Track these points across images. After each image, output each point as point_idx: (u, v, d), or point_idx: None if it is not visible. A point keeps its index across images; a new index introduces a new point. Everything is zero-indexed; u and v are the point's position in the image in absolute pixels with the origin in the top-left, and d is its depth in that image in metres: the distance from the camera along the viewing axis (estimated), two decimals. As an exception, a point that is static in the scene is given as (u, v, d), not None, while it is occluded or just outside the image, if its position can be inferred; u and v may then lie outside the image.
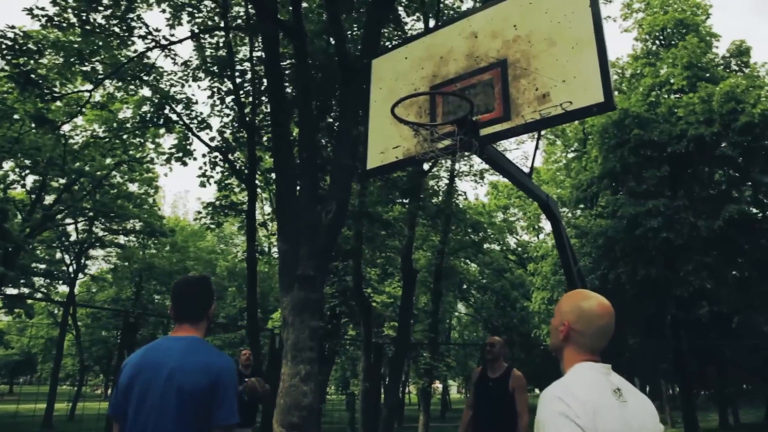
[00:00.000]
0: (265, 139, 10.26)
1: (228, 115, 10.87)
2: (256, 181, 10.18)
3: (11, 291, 25.18)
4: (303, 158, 6.45)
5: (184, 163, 11.15)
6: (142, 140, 15.40)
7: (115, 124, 12.82)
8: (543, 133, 26.09)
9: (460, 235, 17.09)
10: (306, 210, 5.98)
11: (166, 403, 2.02)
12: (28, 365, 40.52)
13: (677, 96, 17.69)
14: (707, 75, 17.15)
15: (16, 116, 17.13)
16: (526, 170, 5.42)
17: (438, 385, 41.57)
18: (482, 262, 28.59)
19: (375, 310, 14.90)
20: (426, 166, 13.72)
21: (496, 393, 4.55)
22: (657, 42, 19.65)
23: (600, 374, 1.68)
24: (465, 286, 29.86)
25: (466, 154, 4.12)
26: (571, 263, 5.45)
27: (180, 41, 8.40)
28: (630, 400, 1.65)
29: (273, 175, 11.31)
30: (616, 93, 20.05)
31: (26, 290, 26.49)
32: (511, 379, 4.61)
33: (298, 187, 6.10)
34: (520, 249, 32.63)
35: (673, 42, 18.92)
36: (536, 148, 4.97)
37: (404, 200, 13.15)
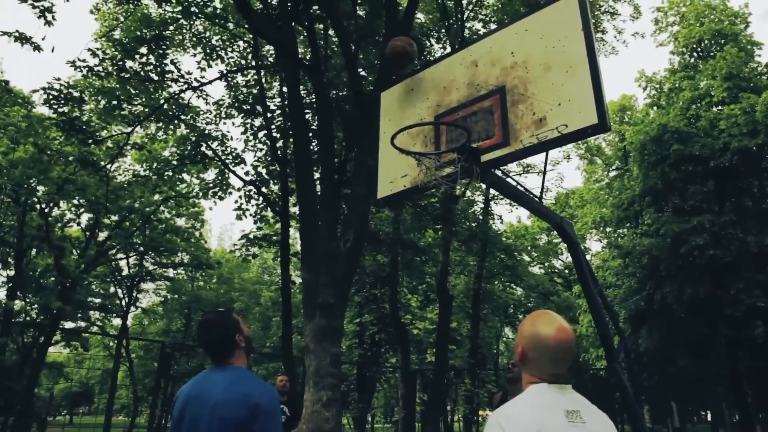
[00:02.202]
0: (295, 173, 10.56)
1: (261, 150, 11.30)
2: (289, 212, 10.47)
3: (69, 325, 26.33)
4: (323, 190, 6.64)
5: (221, 198, 11.60)
6: (184, 177, 16.08)
7: (156, 164, 13.46)
8: (581, 152, 25.71)
9: (497, 259, 16.93)
10: (326, 240, 6.14)
11: None
12: (85, 396, 41.98)
13: (718, 108, 17.20)
14: (750, 85, 16.63)
15: (70, 158, 18.23)
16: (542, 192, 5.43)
17: (488, 413, 40.64)
18: (527, 286, 28.10)
19: (416, 336, 14.88)
20: (458, 191, 13.76)
21: None
22: (695, 54, 19.22)
23: (553, 395, 1.65)
24: (511, 311, 29.35)
25: (468, 180, 4.19)
26: (591, 285, 5.39)
27: (210, 82, 8.86)
28: (589, 422, 1.64)
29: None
30: (654, 108, 19.64)
31: (83, 324, 27.65)
32: None
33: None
34: (566, 271, 31.91)
35: (711, 53, 18.48)
36: (544, 172, 4.97)
37: (437, 226, 13.19)
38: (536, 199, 4.81)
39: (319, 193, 6.48)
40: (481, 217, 15.52)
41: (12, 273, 24.21)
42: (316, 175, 7.34)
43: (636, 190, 17.95)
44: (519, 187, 4.94)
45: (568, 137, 3.86)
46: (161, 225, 24.51)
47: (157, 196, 22.69)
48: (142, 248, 25.52)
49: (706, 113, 16.83)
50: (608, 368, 5.15)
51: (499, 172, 4.73)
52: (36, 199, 22.63)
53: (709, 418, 35.41)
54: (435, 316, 17.43)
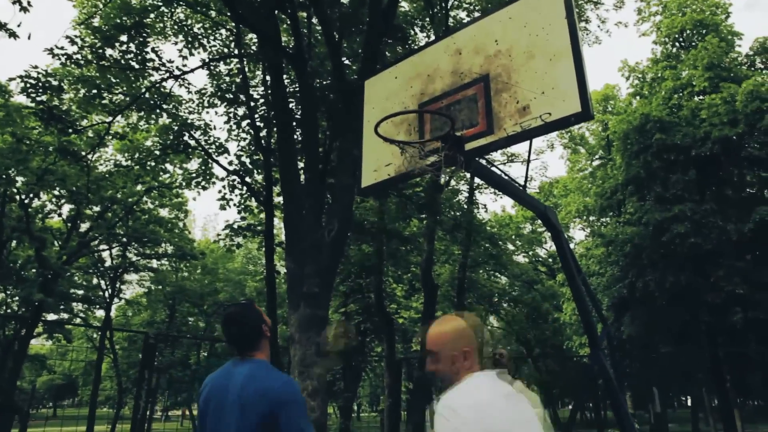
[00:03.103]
0: (279, 163, 10.48)
1: (244, 139, 11.20)
2: (274, 202, 10.41)
3: (51, 317, 26.03)
4: (307, 179, 6.60)
5: (205, 188, 11.49)
6: (166, 167, 15.95)
7: (137, 154, 13.31)
8: (564, 141, 25.87)
9: (481, 248, 17.01)
10: (310, 230, 6.11)
11: (239, 429, 2.14)
12: (69, 389, 41.65)
13: (700, 98, 17.37)
14: (730, 75, 16.81)
15: (50, 148, 17.95)
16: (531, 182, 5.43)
17: (473, 401, 41.02)
18: (511, 274, 28.31)
19: (402, 325, 14.94)
20: (443, 180, 13.78)
21: None
22: (677, 44, 19.38)
23: (490, 379, 1.88)
24: (495, 299, 29.58)
25: (452, 169, 4.18)
26: (574, 272, 5.44)
27: (192, 71, 8.75)
28: (518, 399, 1.86)
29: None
30: (637, 98, 19.79)
31: (65, 316, 27.36)
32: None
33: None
34: (550, 260, 32.20)
35: (693, 43, 18.63)
36: (528, 161, 4.99)
37: (422, 215, 13.21)
38: (520, 188, 4.83)
39: (303, 183, 6.44)
40: (465, 206, 15.57)
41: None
42: (300, 165, 7.30)
43: (619, 179, 18.12)
44: (503, 175, 4.95)
45: (551, 125, 3.87)
46: (144, 216, 24.24)
47: (139, 187, 22.43)
48: (125, 239, 25.23)
49: (688, 103, 17.00)
50: (591, 355, 5.22)
51: (483, 161, 4.73)
52: (15, 190, 22.26)
53: (689, 403, 36.11)
54: (420, 305, 17.52)
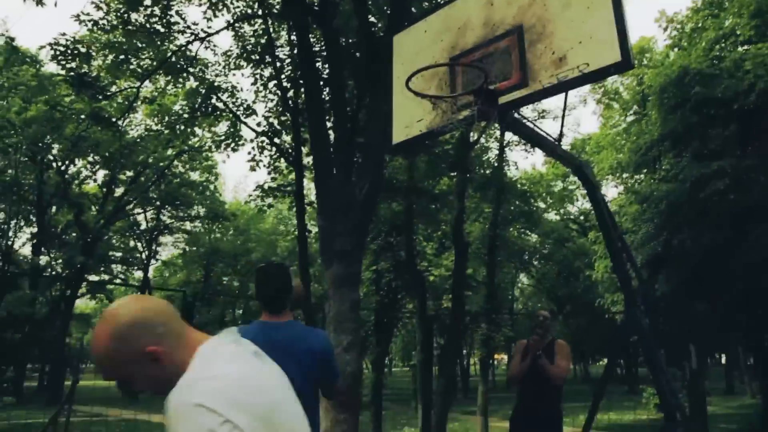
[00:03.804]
0: (308, 121, 10.44)
1: (272, 100, 11.15)
2: (303, 162, 10.44)
3: (93, 278, 27.03)
4: (337, 137, 6.58)
5: (234, 150, 11.57)
6: (195, 130, 16.10)
7: (167, 118, 13.43)
8: (597, 96, 25.11)
9: (512, 206, 16.83)
10: (341, 188, 6.12)
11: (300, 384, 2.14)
12: (113, 347, 43.36)
13: (744, 48, 16.53)
14: (778, 21, 15.90)
15: (82, 116, 18.28)
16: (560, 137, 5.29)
17: (503, 357, 41.44)
18: (542, 232, 28.09)
19: (432, 283, 15.05)
20: (474, 137, 13.60)
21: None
22: (720, -10, 18.36)
23: (231, 343, 1.30)
24: (526, 257, 29.47)
25: (485, 123, 4.10)
26: (611, 229, 5.35)
27: (217, 32, 8.69)
28: (265, 359, 1.34)
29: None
30: (675, 50, 18.98)
31: (106, 277, 28.35)
32: (555, 349, 4.60)
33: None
34: (581, 217, 31.78)
35: (738, -11, 17.63)
36: (563, 114, 4.81)
37: (452, 173, 13.10)
38: (555, 142, 4.72)
39: (332, 142, 6.42)
40: (495, 164, 15.36)
41: (35, 230, 24.74)
42: (329, 124, 7.26)
43: (654, 135, 17.57)
44: (537, 129, 4.83)
45: (589, 76, 3.73)
46: (176, 179, 24.72)
47: (170, 151, 22.80)
48: (158, 202, 25.83)
49: (731, 53, 16.20)
50: (627, 312, 5.17)
51: (516, 116, 4.62)
52: (52, 157, 22.84)
53: (723, 361, 35.80)
54: (450, 263, 17.57)
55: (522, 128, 4.66)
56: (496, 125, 4.32)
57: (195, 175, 25.69)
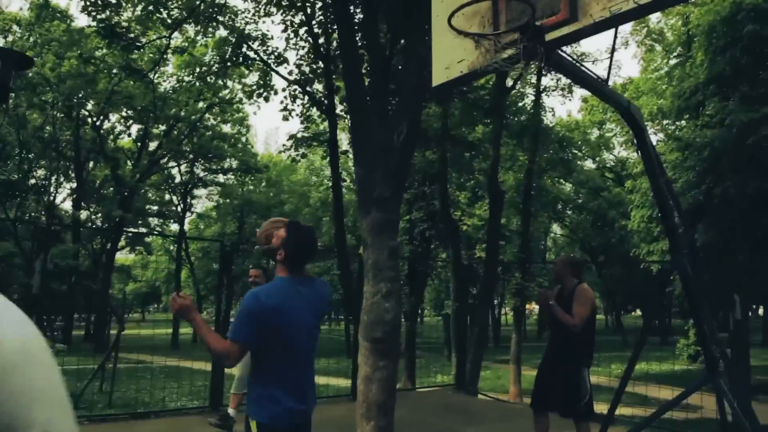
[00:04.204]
0: (341, 67, 10.23)
1: (303, 48, 10.94)
2: (336, 110, 10.30)
3: (131, 231, 27.79)
4: (372, 82, 6.41)
5: (266, 99, 11.48)
6: (226, 82, 15.97)
7: (198, 68, 13.34)
8: (639, 38, 23.99)
9: (549, 153, 16.42)
10: (378, 134, 5.99)
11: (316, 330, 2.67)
12: (153, 296, 45.12)
13: (803, -21, 15.42)
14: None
15: (114, 70, 18.33)
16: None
17: (535, 307, 41.58)
18: (577, 181, 27.54)
19: (466, 232, 14.99)
20: (509, 83, 13.18)
21: (564, 310, 4.47)
22: None
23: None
24: (559, 206, 29.05)
25: (531, 62, 3.88)
26: (657, 174, 5.14)
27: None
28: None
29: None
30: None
31: (144, 230, 29.10)
32: (575, 294, 4.51)
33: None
34: (617, 166, 30.98)
35: None
36: (612, 51, 4.54)
37: (487, 120, 12.79)
38: (602, 82, 4.49)
39: (367, 87, 6.27)
40: (531, 110, 14.92)
41: (74, 185, 25.36)
42: (364, 70, 7.07)
43: (700, 78, 16.76)
44: (584, 69, 4.59)
45: (646, 8, 3.47)
46: (207, 132, 24.84)
47: (201, 104, 22.82)
48: (191, 156, 26.10)
49: (788, -14, 15.16)
50: (673, 260, 5.01)
51: (563, 54, 4.38)
52: (87, 113, 23.12)
53: (760, 312, 35.18)
54: (484, 212, 17.43)
55: (569, 67, 4.43)
56: (537, 65, 4.09)
57: (226, 128, 25.78)
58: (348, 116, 12.20)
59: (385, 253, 5.51)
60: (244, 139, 26.26)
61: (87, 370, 9.81)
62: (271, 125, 55.58)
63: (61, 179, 26.21)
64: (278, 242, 2.51)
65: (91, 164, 25.74)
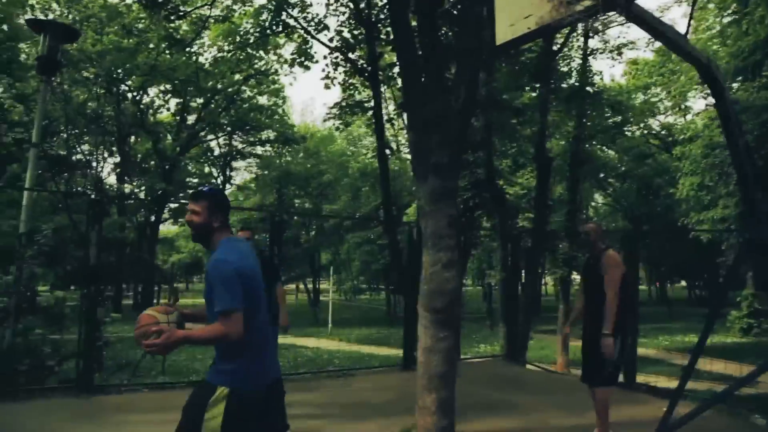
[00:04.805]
0: (383, 33, 9.97)
1: (344, 13, 10.67)
2: (379, 77, 10.04)
3: (174, 205, 28.30)
4: (424, 45, 6.15)
5: (307, 68, 11.28)
6: (262, 54, 15.79)
7: (237, 38, 13.20)
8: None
9: (597, 118, 15.79)
10: (432, 98, 5.75)
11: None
12: (197, 266, 46.21)
13: None
14: None
15: (151, 45, 18.41)
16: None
17: (576, 276, 40.89)
18: (621, 148, 26.66)
19: (508, 201, 14.65)
20: (556, 47, 12.65)
21: (592, 278, 4.52)
22: None
23: None
24: (602, 175, 28.25)
25: (609, 13, 3.60)
26: (737, 135, 4.80)
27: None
28: None
29: (395, 71, 11.12)
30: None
31: (185, 202, 29.60)
32: (603, 260, 4.44)
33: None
34: (664, 132, 29.85)
35: None
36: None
37: (534, 85, 12.35)
38: (683, 36, 4.15)
39: (420, 50, 6.01)
40: (580, 73, 14.34)
41: (118, 159, 25.86)
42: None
43: (760, 35, 15.82)
44: (663, 22, 4.26)
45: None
46: (245, 104, 24.87)
47: (238, 76, 22.79)
48: (229, 128, 26.25)
49: None
50: (750, 226, 4.72)
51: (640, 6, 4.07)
52: (127, 87, 23.38)
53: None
54: (526, 180, 17.03)
55: (648, 20, 4.11)
56: (622, 15, 3.80)
57: (263, 100, 25.76)
58: (392, 83, 11.97)
59: (444, 221, 5.33)
60: (280, 110, 26.23)
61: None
62: (307, 96, 55.23)
63: (105, 154, 26.75)
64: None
65: (132, 139, 26.15)
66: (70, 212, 18.72)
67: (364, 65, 10.50)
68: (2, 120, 16.96)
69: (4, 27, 18.30)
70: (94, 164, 26.74)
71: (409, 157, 16.81)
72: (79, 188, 23.63)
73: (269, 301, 5.09)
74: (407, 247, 8.95)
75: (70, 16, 20.66)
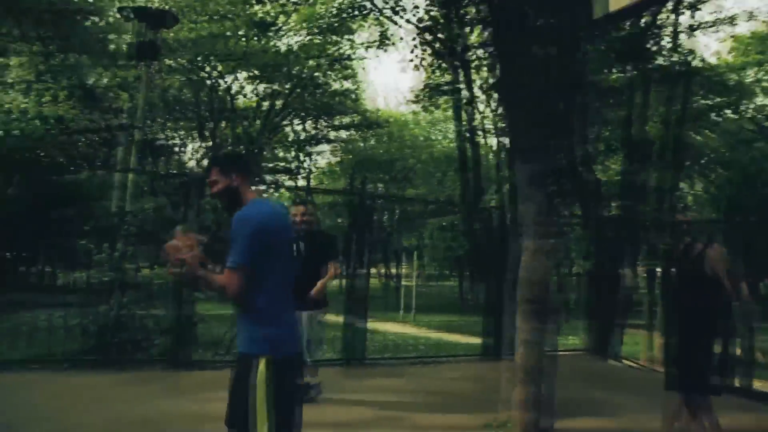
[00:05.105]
0: (468, 13, 9.58)
1: (425, -8, 10.34)
2: (467, 57, 9.70)
3: (260, 188, 29.26)
4: (520, 18, 5.86)
5: (386, 50, 11.07)
6: (342, 37, 15.77)
7: (320, 20, 13.21)
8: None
9: (701, 99, 14.55)
10: (530, 76, 5.47)
11: None
12: (287, 249, 48.13)
13: None
14: None
15: (240, 32, 18.94)
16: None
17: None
18: (721, 131, 24.60)
19: (600, 187, 13.92)
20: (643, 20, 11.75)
21: (692, 273, 4.14)
22: None
23: None
24: (703, 161, 26.27)
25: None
26: None
27: None
28: None
29: (479, 52, 10.70)
30: None
31: (272, 187, 30.64)
32: (709, 253, 4.06)
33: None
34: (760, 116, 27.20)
35: None
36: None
37: (626, 66, 11.58)
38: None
39: (516, 26, 5.71)
40: (680, 50, 13.28)
41: (209, 144, 26.98)
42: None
43: None
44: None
45: None
46: (328, 89, 25.13)
47: (320, 60, 23.03)
48: (313, 113, 26.67)
49: None
50: None
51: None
52: (217, 73, 24.21)
53: None
54: (617, 166, 16.08)
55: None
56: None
57: (346, 84, 25.96)
58: (475, 64, 11.53)
59: (543, 206, 5.09)
60: (362, 94, 26.39)
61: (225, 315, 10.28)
62: (387, 80, 55.15)
63: (196, 139, 27.98)
64: (219, 185, 2.43)
65: (222, 124, 27.15)
66: (168, 194, 19.75)
67: (448, 45, 10.15)
68: (108, 107, 18.07)
69: (110, 18, 19.44)
70: (187, 149, 28.16)
71: (491, 141, 16.44)
72: (174, 172, 24.94)
73: (309, 277, 4.92)
74: (486, 234, 8.70)
75: (167, 7, 21.59)
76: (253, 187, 2.51)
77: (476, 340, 9.74)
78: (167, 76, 22.26)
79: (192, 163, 27.44)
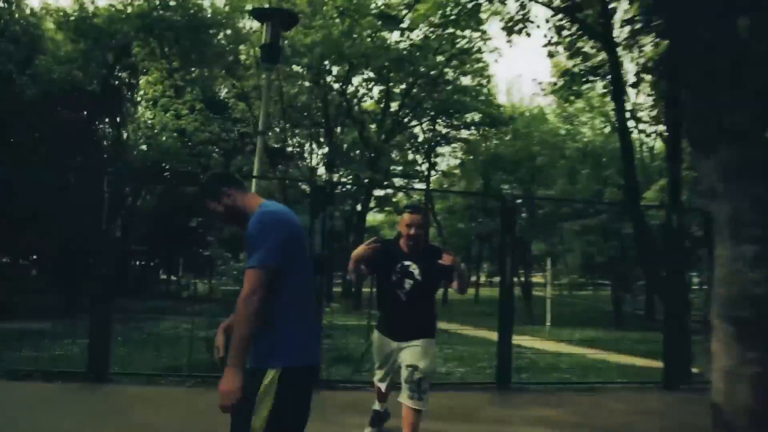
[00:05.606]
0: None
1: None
2: (614, 37, 8.50)
3: (378, 192, 29.18)
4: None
5: (528, 34, 10.07)
6: (468, 30, 14.94)
7: (446, 11, 12.53)
8: None
9: None
10: (721, 45, 4.28)
11: None
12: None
13: None
14: None
15: (354, 35, 18.84)
16: None
17: None
18: None
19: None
20: None
21: None
22: None
23: None
24: None
25: None
26: None
27: None
28: None
29: (631, 27, 9.40)
30: None
31: (390, 191, 30.39)
32: None
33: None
34: None
35: None
36: None
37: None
38: None
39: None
40: None
41: (326, 150, 27.36)
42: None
43: None
44: None
45: None
46: (448, 87, 24.32)
47: (440, 57, 22.33)
48: (432, 113, 25.99)
49: None
50: None
51: None
52: (333, 78, 24.41)
53: None
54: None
55: None
56: None
57: (466, 80, 24.96)
58: (629, 41, 10.18)
59: (746, 203, 3.90)
60: (485, 90, 25.21)
61: (353, 326, 9.81)
62: (512, 73, 52.67)
63: (314, 145, 28.46)
64: (218, 208, 2.33)
65: (339, 129, 27.36)
66: (288, 200, 20.11)
67: (596, 23, 8.97)
68: (227, 117, 18.63)
69: (228, 31, 20.16)
70: (306, 155, 28.74)
71: (650, 130, 14.68)
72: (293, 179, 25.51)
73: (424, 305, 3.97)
74: (645, 237, 7.43)
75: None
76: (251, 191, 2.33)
77: (641, 361, 8.47)
78: (288, 84, 22.78)
79: (321, 170, 27.85)
